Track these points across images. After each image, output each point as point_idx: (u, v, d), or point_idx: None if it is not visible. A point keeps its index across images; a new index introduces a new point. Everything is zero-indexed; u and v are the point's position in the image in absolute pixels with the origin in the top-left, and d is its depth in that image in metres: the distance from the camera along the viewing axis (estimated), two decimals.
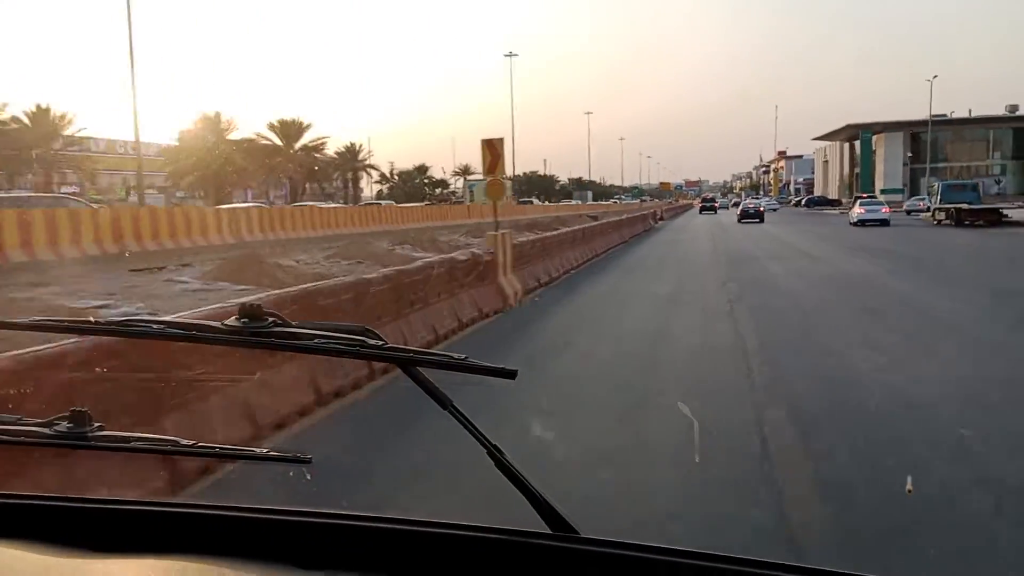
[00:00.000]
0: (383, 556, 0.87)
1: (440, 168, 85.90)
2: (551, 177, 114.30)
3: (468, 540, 0.86)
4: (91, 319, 0.96)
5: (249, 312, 0.91)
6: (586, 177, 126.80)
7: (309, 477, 1.16)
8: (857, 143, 72.99)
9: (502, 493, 0.90)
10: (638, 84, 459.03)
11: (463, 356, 0.91)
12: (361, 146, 65.75)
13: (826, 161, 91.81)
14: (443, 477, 3.37)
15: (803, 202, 70.65)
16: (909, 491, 3.16)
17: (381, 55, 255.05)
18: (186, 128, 46.30)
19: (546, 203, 71.08)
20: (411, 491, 3.27)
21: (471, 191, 58.50)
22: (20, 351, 2.88)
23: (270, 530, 0.91)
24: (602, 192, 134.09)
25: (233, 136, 48.28)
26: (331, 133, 76.01)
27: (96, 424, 0.94)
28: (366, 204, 41.98)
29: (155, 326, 0.95)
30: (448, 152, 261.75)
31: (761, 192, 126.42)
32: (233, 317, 0.92)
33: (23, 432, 0.95)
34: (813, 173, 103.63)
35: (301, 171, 53.52)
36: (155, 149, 47.23)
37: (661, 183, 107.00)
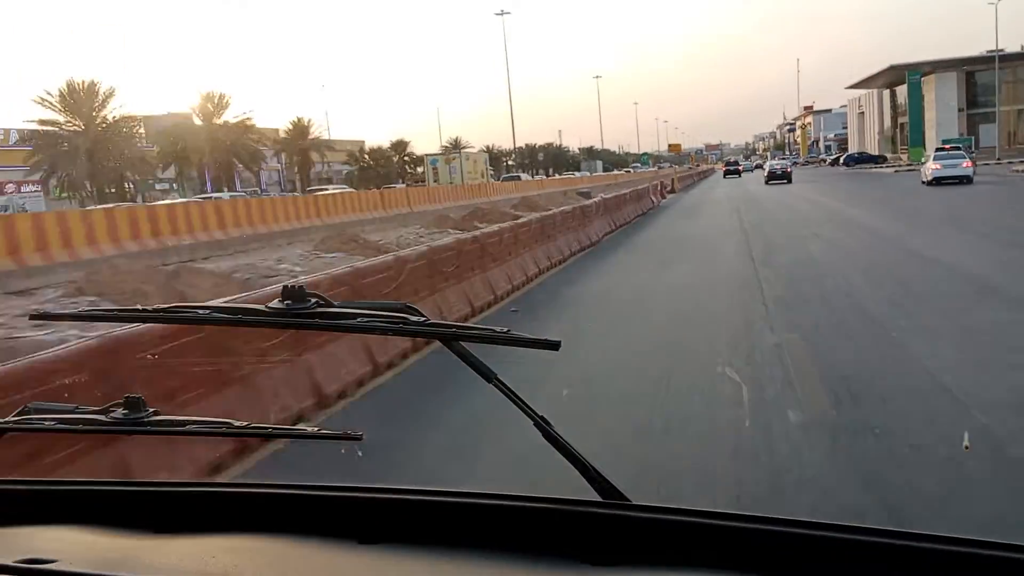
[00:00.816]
0: (438, 529, 0.92)
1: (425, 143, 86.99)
2: (562, 148, 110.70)
3: (521, 511, 0.91)
4: (138, 307, 1.03)
5: (292, 294, 0.96)
6: (598, 146, 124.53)
7: (361, 454, 1.26)
8: (900, 89, 64.19)
9: (553, 463, 0.95)
10: (654, 46, 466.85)
11: (505, 329, 0.95)
12: (311, 122, 58.92)
13: (861, 113, 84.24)
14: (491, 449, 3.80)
15: (841, 160, 64.68)
16: (967, 447, 3.30)
17: (367, 22, 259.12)
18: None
19: (542, 178, 66.04)
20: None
21: (434, 169, 49.30)
22: (72, 343, 3.24)
23: (326, 506, 0.98)
24: (617, 161, 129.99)
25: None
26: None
27: (151, 409, 1.02)
28: (311, 191, 36.17)
29: (201, 311, 1.01)
30: (452, 127, 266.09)
31: (788, 152, 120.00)
32: (277, 299, 0.97)
33: (80, 420, 1.03)
34: (846, 128, 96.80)
35: (221, 155, 45.15)
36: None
37: (670, 145, 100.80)
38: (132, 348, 3.42)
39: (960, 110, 59.30)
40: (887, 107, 72.87)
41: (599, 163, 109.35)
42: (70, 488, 1.08)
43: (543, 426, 0.93)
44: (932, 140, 54.40)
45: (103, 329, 3.41)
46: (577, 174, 76.65)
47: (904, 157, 61.17)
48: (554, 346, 0.93)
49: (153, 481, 1.08)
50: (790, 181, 40.57)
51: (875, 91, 75.44)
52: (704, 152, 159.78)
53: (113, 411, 1.02)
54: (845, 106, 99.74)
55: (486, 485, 1.00)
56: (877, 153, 67.62)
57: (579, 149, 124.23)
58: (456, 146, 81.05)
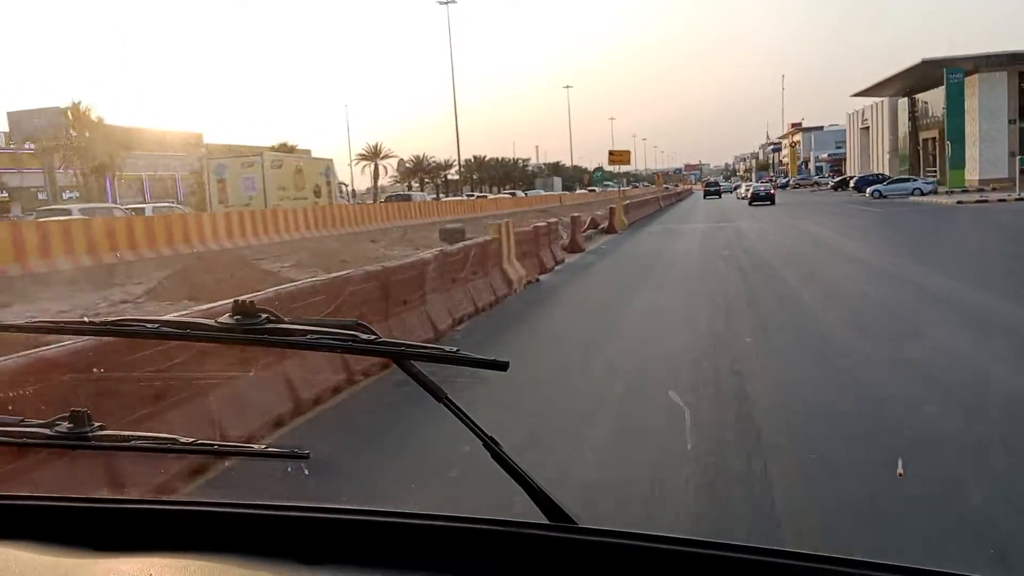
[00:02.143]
0: (383, 550, 1.00)
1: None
2: (516, 162, 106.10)
3: (467, 532, 0.99)
4: (85, 319, 1.15)
5: (243, 309, 1.05)
6: (568, 161, 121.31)
7: (307, 472, 1.37)
8: (925, 96, 55.53)
9: (500, 484, 1.03)
10: (633, 61, 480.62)
11: (454, 349, 1.04)
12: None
13: (865, 128, 76.41)
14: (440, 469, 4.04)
15: (851, 183, 55.47)
16: (900, 474, 3.72)
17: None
18: None
19: (474, 196, 61.10)
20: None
21: (220, 182, 33.41)
22: (19, 354, 3.36)
23: (271, 526, 1.05)
24: (582, 178, 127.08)
25: None
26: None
27: (96, 424, 1.10)
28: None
29: (149, 325, 1.11)
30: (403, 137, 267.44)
31: (772, 172, 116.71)
32: (227, 314, 1.06)
33: (25, 433, 1.11)
34: (840, 147, 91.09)
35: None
36: None
37: (611, 153, 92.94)
38: (81, 361, 3.54)
39: (1011, 121, 47.39)
40: (902, 119, 63.35)
41: (558, 180, 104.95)
42: (11, 503, 1.14)
43: (491, 446, 1.02)
44: (974, 159, 46.90)
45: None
46: (531, 193, 72.75)
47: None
48: (502, 367, 1.03)
49: (95, 498, 1.13)
50: (773, 203, 45.38)
51: (884, 101, 67.54)
52: (683, 172, 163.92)
53: (58, 425, 1.10)
54: (835, 125, 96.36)
55: (433, 506, 1.06)
56: (906, 174, 55.91)
57: (544, 164, 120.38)
58: (376, 153, 76.23)
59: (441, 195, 79.69)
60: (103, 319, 1.12)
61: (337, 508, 1.05)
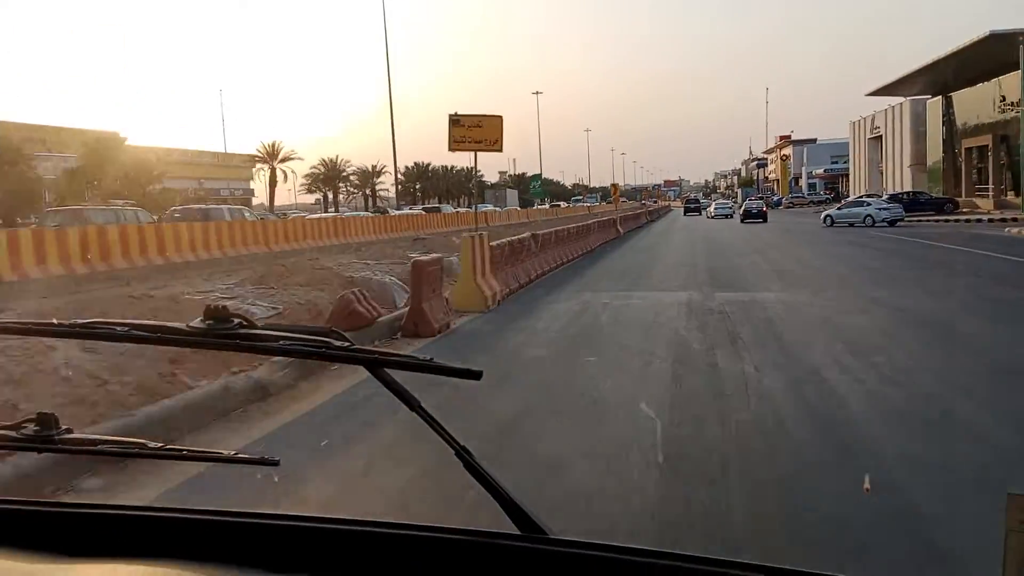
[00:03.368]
0: (353, 558, 1.08)
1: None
2: (468, 172, 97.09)
3: (437, 541, 1.08)
4: (54, 321, 1.22)
5: (214, 314, 1.14)
6: (544, 175, 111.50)
7: (277, 479, 1.52)
8: (963, 94, 49.29)
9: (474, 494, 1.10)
10: (610, 74, 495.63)
11: (428, 357, 1.14)
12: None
13: (876, 137, 69.57)
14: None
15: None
16: (867, 489, 4.05)
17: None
18: None
19: (383, 211, 53.44)
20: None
21: None
22: None
23: (240, 533, 1.13)
24: (559, 193, 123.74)
25: None
26: None
27: (64, 427, 1.19)
28: None
29: (119, 328, 1.19)
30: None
31: (759, 189, 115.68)
32: (198, 319, 1.14)
33: None
34: (837, 162, 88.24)
35: None
36: None
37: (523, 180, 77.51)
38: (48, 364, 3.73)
39: None
40: (932, 123, 55.74)
41: (512, 193, 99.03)
42: None
43: (464, 456, 1.12)
44: None
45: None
46: (447, 209, 64.39)
47: (981, 203, 45.61)
48: (476, 375, 1.12)
49: (61, 502, 1.25)
50: (765, 220, 48.12)
51: (904, 103, 60.59)
52: (663, 188, 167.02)
53: (24, 427, 1.19)
54: (831, 139, 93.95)
55: (403, 515, 1.27)
56: (897, 191, 52.28)
57: (510, 176, 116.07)
58: (273, 154, 70.39)
59: (349, 209, 72.67)
60: (73, 321, 1.21)
61: (307, 516, 1.14)
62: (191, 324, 1.15)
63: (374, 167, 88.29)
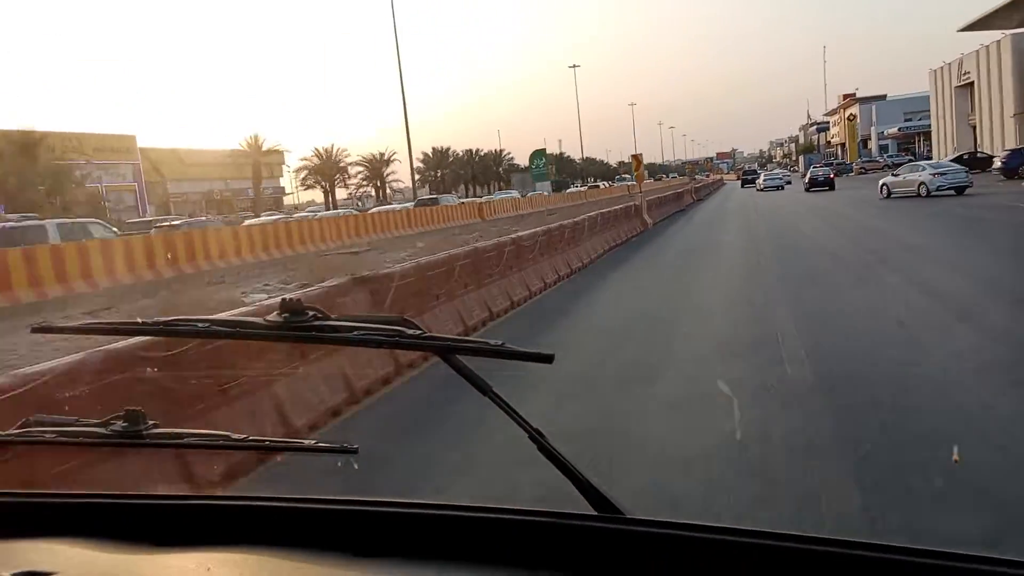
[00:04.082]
0: (431, 542, 1.16)
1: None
2: (496, 155, 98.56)
3: (515, 524, 1.15)
4: (138, 319, 1.36)
5: (290, 307, 1.23)
6: (578, 154, 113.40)
7: (356, 466, 1.68)
8: None
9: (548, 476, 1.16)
10: (651, 45, 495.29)
11: (500, 342, 1.21)
12: None
13: (966, 84, 63.07)
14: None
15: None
16: (956, 460, 4.18)
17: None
18: None
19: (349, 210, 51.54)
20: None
21: None
22: (76, 354, 4.03)
23: (322, 519, 1.23)
24: (602, 173, 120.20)
25: None
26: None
27: (151, 422, 1.32)
28: None
29: (200, 324, 1.31)
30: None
31: (818, 154, 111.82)
32: (275, 312, 1.24)
33: (81, 433, 1.34)
34: (911, 118, 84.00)
35: None
36: None
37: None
38: (134, 361, 4.24)
39: None
40: None
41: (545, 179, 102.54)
42: (69, 501, 1.36)
43: (537, 438, 1.18)
44: None
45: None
46: (495, 195, 64.98)
47: None
48: (547, 359, 1.19)
49: (151, 495, 1.35)
50: (832, 188, 46.84)
51: (1005, 39, 54.67)
52: (715, 160, 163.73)
53: (113, 424, 1.32)
54: (900, 95, 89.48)
55: (481, 498, 1.22)
56: (984, 153, 48.67)
57: (548, 156, 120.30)
58: (255, 146, 66.79)
59: (357, 204, 70.29)
60: (156, 319, 1.35)
61: (386, 501, 1.23)
62: (268, 318, 1.26)
63: (383, 154, 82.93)
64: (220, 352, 4.94)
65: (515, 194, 62.00)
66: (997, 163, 43.99)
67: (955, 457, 4.15)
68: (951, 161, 43.35)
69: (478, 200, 52.81)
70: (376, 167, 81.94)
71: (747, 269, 15.28)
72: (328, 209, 56.98)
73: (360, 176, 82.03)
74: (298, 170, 78.27)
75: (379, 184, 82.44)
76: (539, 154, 55.94)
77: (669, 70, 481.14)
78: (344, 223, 31.93)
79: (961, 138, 63.66)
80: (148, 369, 4.26)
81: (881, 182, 36.09)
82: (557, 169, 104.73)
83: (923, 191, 31.94)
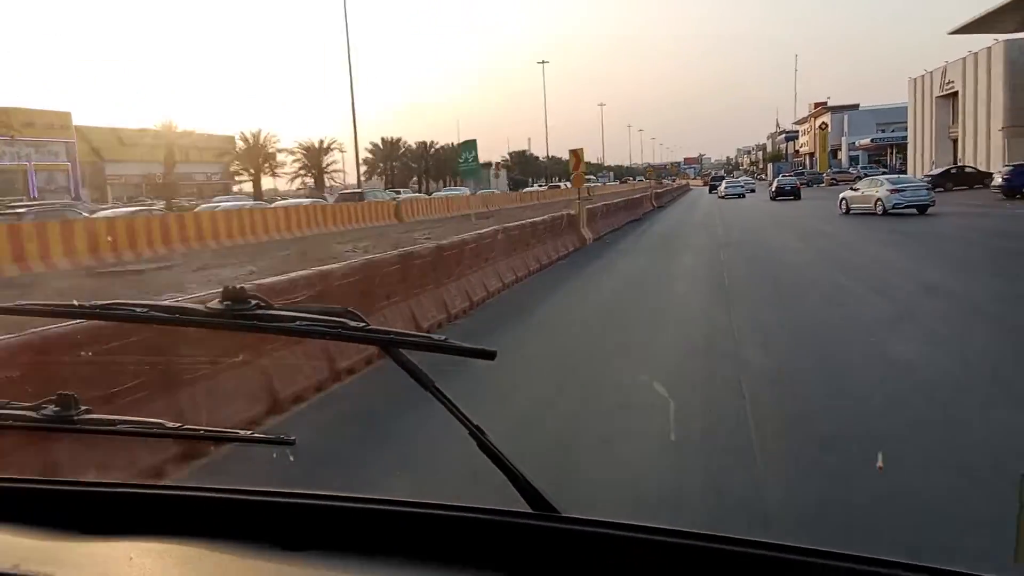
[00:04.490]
0: (367, 536, 1.20)
1: None
2: (455, 149, 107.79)
3: (450, 520, 1.19)
4: (75, 302, 1.37)
5: (232, 295, 1.26)
6: (543, 153, 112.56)
7: (292, 459, 1.73)
8: None
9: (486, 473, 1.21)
10: (625, 47, 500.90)
11: (443, 337, 1.25)
12: None
13: (949, 94, 61.75)
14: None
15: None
16: (880, 467, 4.50)
17: None
18: None
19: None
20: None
21: None
22: (5, 335, 3.97)
23: (255, 511, 1.26)
24: (566, 173, 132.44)
25: None
26: None
27: (83, 408, 1.34)
28: None
29: (139, 309, 1.33)
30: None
31: (786, 163, 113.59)
32: (216, 300, 1.27)
33: (10, 416, 1.35)
34: (884, 130, 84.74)
35: None
36: None
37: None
38: (68, 345, 4.23)
39: None
40: None
41: (501, 174, 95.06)
42: None
43: (477, 435, 1.23)
44: None
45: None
46: (441, 192, 62.96)
47: None
48: (490, 355, 1.23)
49: (79, 481, 1.37)
50: (798, 198, 48.08)
51: (996, 46, 53.64)
52: (683, 166, 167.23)
53: (44, 408, 1.33)
54: (873, 106, 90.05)
55: (416, 493, 1.26)
56: (974, 169, 48.34)
57: (509, 154, 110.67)
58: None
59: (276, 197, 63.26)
60: (93, 302, 1.36)
61: (322, 494, 1.26)
62: (209, 305, 1.29)
63: (322, 142, 77.14)
64: (160, 338, 5.01)
65: (465, 191, 60.54)
66: (998, 180, 41.19)
67: (879, 464, 4.55)
68: (933, 176, 43.02)
69: (398, 199, 48.31)
70: (313, 155, 76.79)
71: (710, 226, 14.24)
72: (256, 200, 53.71)
73: (297, 165, 77.23)
74: (221, 155, 73.28)
75: (315, 175, 77.91)
76: (469, 145, 44.10)
77: (640, 72, 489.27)
78: (177, 223, 26.59)
79: (940, 152, 62.69)
80: (83, 353, 4.26)
81: (841, 196, 34.94)
82: (521, 168, 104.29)
83: (879, 208, 30.67)
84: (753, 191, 67.11)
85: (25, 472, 1.52)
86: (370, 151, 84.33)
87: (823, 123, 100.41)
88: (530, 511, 1.20)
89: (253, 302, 1.31)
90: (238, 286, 1.34)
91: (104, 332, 4.49)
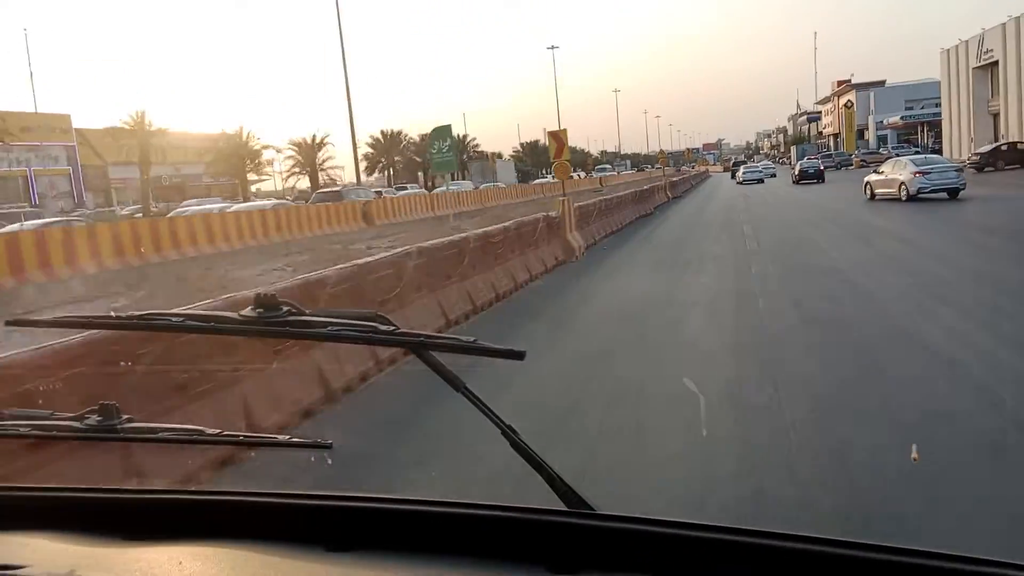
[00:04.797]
0: (404, 536, 1.24)
1: None
2: (462, 141, 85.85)
3: (486, 519, 1.23)
4: (112, 313, 1.44)
5: (264, 302, 1.32)
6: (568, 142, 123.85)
7: (330, 462, 1.84)
8: None
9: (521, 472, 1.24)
10: (641, 35, 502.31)
11: (472, 339, 1.29)
12: None
13: (987, 64, 58.27)
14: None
15: None
16: (915, 459, 4.54)
17: None
18: None
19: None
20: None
21: None
22: (43, 346, 4.26)
23: (295, 514, 1.31)
24: (580, 163, 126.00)
25: None
26: None
27: (125, 416, 1.40)
28: None
29: (174, 319, 1.39)
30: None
31: (811, 145, 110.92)
32: (249, 307, 1.33)
33: (55, 427, 1.42)
34: (911, 107, 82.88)
35: None
36: None
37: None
38: (108, 354, 4.40)
39: None
40: None
41: (508, 165, 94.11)
42: (42, 494, 1.44)
43: (510, 435, 1.27)
44: None
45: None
46: (440, 188, 54.95)
47: None
48: (519, 355, 1.27)
49: (124, 488, 1.44)
50: (822, 181, 48.66)
51: None
52: (701, 152, 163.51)
53: (88, 418, 1.40)
54: (900, 82, 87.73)
55: (453, 493, 1.30)
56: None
57: (521, 144, 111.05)
58: (141, 123, 59.81)
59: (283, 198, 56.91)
60: (129, 313, 1.43)
61: (359, 496, 1.31)
62: (243, 313, 1.34)
63: (315, 137, 73.14)
64: (195, 346, 5.22)
65: (470, 185, 57.87)
66: None
67: (914, 456, 4.61)
68: (981, 154, 40.24)
69: (378, 197, 44.43)
70: (307, 152, 73.03)
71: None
72: (245, 201, 50.57)
73: (292, 163, 74.18)
74: (202, 154, 70.58)
75: (309, 172, 74.44)
76: (442, 132, 36.21)
77: (655, 57, 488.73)
78: (90, 237, 22.58)
79: (980, 128, 57.64)
80: (122, 363, 4.43)
81: (865, 180, 31.89)
82: (533, 159, 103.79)
83: (903, 193, 27.62)
84: (774, 176, 66.36)
85: (69, 481, 1.61)
86: (370, 145, 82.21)
87: (848, 101, 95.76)
88: (565, 509, 1.25)
89: (284, 308, 1.37)
90: (270, 292, 1.41)
91: (138, 339, 4.82)
